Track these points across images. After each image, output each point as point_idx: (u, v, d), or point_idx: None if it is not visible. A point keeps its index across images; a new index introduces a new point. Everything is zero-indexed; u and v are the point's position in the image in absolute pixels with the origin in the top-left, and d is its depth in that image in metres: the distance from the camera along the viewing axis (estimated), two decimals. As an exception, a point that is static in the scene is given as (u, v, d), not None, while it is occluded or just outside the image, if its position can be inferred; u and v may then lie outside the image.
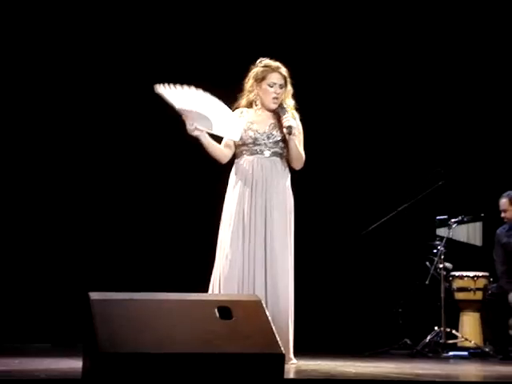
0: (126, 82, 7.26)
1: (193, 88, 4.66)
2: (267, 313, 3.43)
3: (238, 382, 3.24)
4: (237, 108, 4.88)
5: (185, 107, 4.65)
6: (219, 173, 4.97)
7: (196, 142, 4.74)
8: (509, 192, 6.83)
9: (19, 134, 7.18)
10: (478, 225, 7.14)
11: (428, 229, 7.19)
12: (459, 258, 7.06)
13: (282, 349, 3.40)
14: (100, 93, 7.31)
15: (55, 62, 7.23)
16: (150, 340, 3.20)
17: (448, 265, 6.95)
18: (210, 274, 4.76)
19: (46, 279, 7.07)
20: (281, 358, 3.31)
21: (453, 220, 7.00)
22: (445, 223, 7.04)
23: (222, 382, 3.23)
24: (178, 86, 4.64)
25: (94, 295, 3.31)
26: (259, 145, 4.79)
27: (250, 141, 4.79)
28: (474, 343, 6.68)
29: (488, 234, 7.09)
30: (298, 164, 4.85)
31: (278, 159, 4.81)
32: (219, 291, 4.61)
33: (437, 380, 3.84)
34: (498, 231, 6.93)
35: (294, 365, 4.52)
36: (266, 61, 4.87)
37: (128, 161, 7.35)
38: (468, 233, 7.15)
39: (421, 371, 4.50)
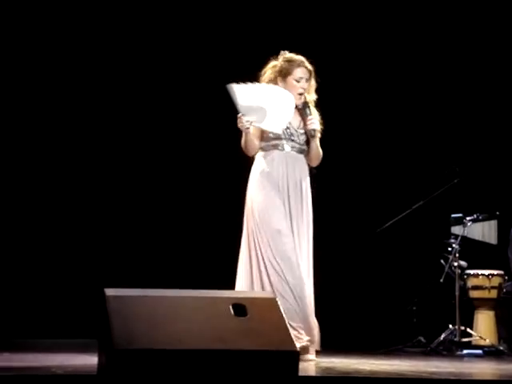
0: (129, 79, 7.28)
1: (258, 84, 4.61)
2: (281, 310, 3.44)
3: (252, 378, 3.24)
4: None
5: (248, 104, 4.56)
6: (231, 167, 4.92)
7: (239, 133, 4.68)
8: None
9: (28, 131, 7.19)
10: (493, 223, 7.12)
11: (443, 227, 7.17)
12: (474, 256, 7.04)
13: (297, 346, 3.41)
14: (106, 90, 7.31)
15: (55, 62, 7.23)
16: (165, 336, 3.21)
17: (463, 263, 6.93)
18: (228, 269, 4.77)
19: (62, 275, 7.09)
20: (295, 356, 3.31)
21: (468, 218, 6.98)
22: (460, 221, 7.02)
23: (237, 379, 3.24)
24: (250, 83, 4.59)
25: (110, 291, 3.32)
26: (293, 140, 4.73)
27: (285, 136, 4.71)
28: (489, 341, 6.66)
29: (503, 232, 7.06)
30: (316, 162, 4.84)
31: (303, 156, 4.78)
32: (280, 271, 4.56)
33: (451, 378, 3.83)
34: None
35: (312, 361, 4.52)
36: (290, 54, 4.79)
37: (144, 154, 7.36)
38: (483, 231, 7.12)
39: (435, 369, 4.49)
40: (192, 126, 7.34)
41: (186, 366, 3.20)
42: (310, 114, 4.72)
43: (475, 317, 6.99)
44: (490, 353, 6.57)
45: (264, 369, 3.26)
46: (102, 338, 3.33)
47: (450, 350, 6.54)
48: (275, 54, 4.86)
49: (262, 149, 4.75)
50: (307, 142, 4.77)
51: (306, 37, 7.08)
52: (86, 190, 7.26)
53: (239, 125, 4.59)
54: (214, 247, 7.22)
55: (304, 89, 4.73)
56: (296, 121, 4.76)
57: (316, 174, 4.89)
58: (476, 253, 7.09)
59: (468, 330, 6.77)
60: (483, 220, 7.08)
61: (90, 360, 3.75)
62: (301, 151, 4.76)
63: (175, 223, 7.33)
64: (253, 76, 4.81)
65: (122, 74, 7.31)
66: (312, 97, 4.79)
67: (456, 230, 7.04)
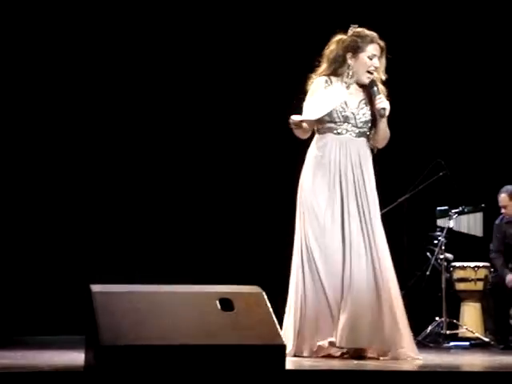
0: (131, 78, 7.30)
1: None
2: (268, 304, 3.44)
3: (239, 373, 3.24)
4: (321, 75, 4.49)
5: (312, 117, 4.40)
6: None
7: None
8: (507, 187, 6.81)
9: (17, 130, 7.17)
10: (479, 215, 7.14)
11: (429, 219, 7.19)
12: (460, 249, 7.07)
13: (284, 340, 3.41)
14: (106, 89, 7.32)
15: (55, 62, 7.24)
16: (152, 332, 3.20)
17: (449, 255, 6.96)
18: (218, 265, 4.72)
19: (48, 272, 7.07)
20: (282, 350, 3.31)
21: (453, 211, 7.01)
22: (445, 214, 7.05)
23: (224, 374, 3.23)
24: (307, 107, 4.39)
25: (96, 287, 3.31)
26: (348, 123, 4.44)
27: (340, 119, 4.43)
28: (476, 333, 6.68)
29: (489, 224, 7.09)
30: (383, 143, 4.58)
31: (365, 140, 4.51)
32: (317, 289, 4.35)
33: (438, 370, 3.84)
34: (497, 222, 6.92)
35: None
36: (362, 29, 4.49)
37: (125, 155, 7.37)
38: (469, 223, 7.15)
39: (422, 362, 4.50)
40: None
41: (173, 362, 3.19)
42: (379, 93, 4.45)
43: (461, 309, 7.02)
44: (476, 345, 6.60)
45: (251, 363, 3.25)
46: (89, 334, 3.32)
47: (437, 342, 6.57)
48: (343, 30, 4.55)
49: (318, 131, 4.51)
50: (371, 124, 4.50)
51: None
52: (72, 190, 7.24)
53: (291, 124, 4.41)
54: (204, 242, 7.25)
55: (376, 67, 4.47)
56: (354, 102, 4.48)
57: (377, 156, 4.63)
58: (462, 245, 7.12)
59: (455, 322, 6.80)
60: (469, 212, 7.11)
61: (77, 357, 3.73)
62: (359, 134, 4.48)
63: (160, 220, 7.34)
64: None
65: (122, 74, 7.32)
66: (381, 77, 4.52)
67: (442, 222, 7.07)
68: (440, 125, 7.74)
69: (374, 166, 4.65)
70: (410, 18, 7.65)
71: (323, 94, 4.42)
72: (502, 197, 6.80)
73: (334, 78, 4.50)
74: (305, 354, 4.38)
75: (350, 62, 4.48)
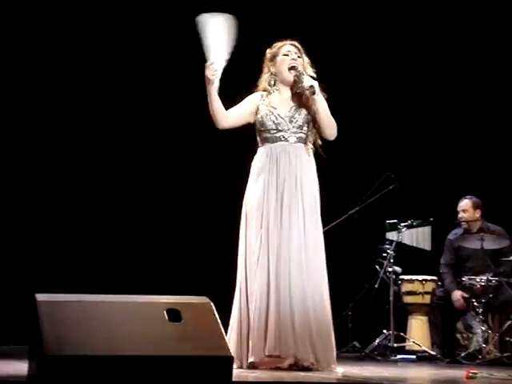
0: (127, 78, 7.27)
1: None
2: (216, 315, 3.42)
3: (186, 384, 3.21)
4: (257, 91, 4.70)
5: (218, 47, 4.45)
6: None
7: (204, 91, 4.54)
8: (470, 196, 6.89)
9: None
10: (427, 229, 7.21)
11: (378, 232, 7.23)
12: (408, 262, 7.12)
13: (231, 351, 3.38)
14: (101, 91, 7.29)
15: (55, 62, 7.20)
16: (98, 342, 3.16)
17: (397, 268, 7.01)
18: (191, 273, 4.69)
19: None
20: (229, 361, 3.29)
21: (402, 224, 7.06)
22: (395, 227, 7.10)
23: (170, 385, 3.20)
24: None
25: (41, 296, 3.26)
26: (282, 130, 4.56)
27: (273, 126, 4.57)
28: (422, 347, 6.73)
29: (437, 238, 7.16)
30: (331, 131, 4.59)
31: (303, 146, 4.58)
32: (246, 293, 4.43)
33: (384, 383, 3.85)
34: (451, 236, 6.98)
35: (340, 374, 4.34)
36: (275, 43, 4.75)
37: (75, 163, 7.29)
38: (417, 237, 7.21)
39: (369, 374, 4.52)
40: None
41: (119, 373, 3.15)
42: (303, 76, 4.53)
43: (409, 322, 7.07)
44: (423, 358, 6.65)
45: (198, 374, 3.23)
46: (33, 344, 3.26)
47: (384, 354, 6.60)
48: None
49: (258, 144, 4.67)
50: (307, 126, 4.58)
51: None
52: (16, 197, 7.15)
53: (207, 73, 4.47)
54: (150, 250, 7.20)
55: (295, 59, 4.61)
56: (286, 108, 4.62)
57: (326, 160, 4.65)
58: (410, 258, 7.17)
59: (402, 335, 6.84)
60: (417, 226, 7.17)
61: (21, 367, 3.67)
62: (297, 140, 4.57)
63: (113, 225, 7.29)
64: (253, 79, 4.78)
65: (120, 74, 7.29)
66: (309, 73, 4.62)
67: (391, 235, 7.12)
68: (390, 139, 7.81)
69: (324, 178, 4.67)
70: (354, 32, 7.70)
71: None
72: (465, 203, 6.86)
73: (268, 94, 4.70)
74: (250, 366, 4.38)
75: (272, 70, 4.70)
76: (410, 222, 7.06)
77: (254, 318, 4.40)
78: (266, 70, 4.74)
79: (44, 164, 7.23)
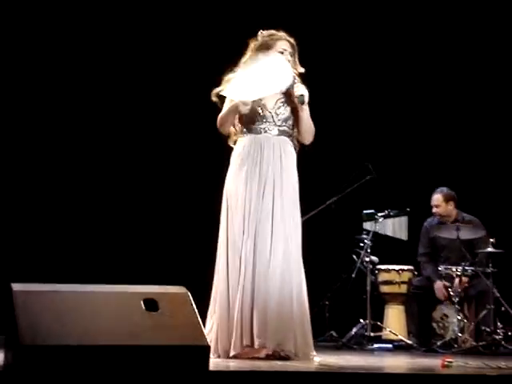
0: (123, 79, 7.28)
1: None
2: (193, 304, 3.42)
3: (163, 373, 3.21)
4: None
5: (242, 96, 4.42)
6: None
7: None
8: (441, 188, 6.93)
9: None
10: (404, 219, 7.24)
11: (355, 222, 7.26)
12: (385, 252, 7.15)
13: (208, 341, 3.39)
14: (98, 92, 7.28)
15: (55, 61, 7.18)
16: (74, 332, 3.15)
17: (374, 258, 7.04)
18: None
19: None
20: (206, 350, 3.29)
21: (379, 214, 7.09)
22: (372, 217, 7.12)
23: (147, 374, 3.20)
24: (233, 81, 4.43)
25: (17, 286, 3.24)
26: (267, 122, 4.52)
27: (258, 118, 4.51)
28: (399, 336, 6.77)
29: (413, 228, 7.19)
30: (309, 136, 4.60)
31: (287, 139, 4.56)
32: (227, 282, 4.42)
33: (361, 372, 3.87)
34: (427, 224, 7.02)
35: (317, 362, 4.36)
36: (270, 31, 4.61)
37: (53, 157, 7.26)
38: (394, 227, 7.24)
39: (345, 363, 4.54)
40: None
41: (95, 362, 3.14)
42: (296, 82, 4.50)
43: (386, 311, 7.11)
44: (399, 347, 6.69)
45: (175, 364, 3.23)
46: (9, 334, 3.25)
47: (361, 343, 6.63)
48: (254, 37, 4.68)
49: (240, 133, 4.60)
50: (292, 122, 4.56)
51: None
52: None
53: (241, 108, 4.47)
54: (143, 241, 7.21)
55: (288, 61, 4.54)
56: (272, 101, 4.56)
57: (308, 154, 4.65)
58: (387, 248, 7.20)
59: (379, 324, 6.88)
60: (394, 216, 7.20)
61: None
62: (280, 133, 4.54)
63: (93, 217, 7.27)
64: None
65: (115, 75, 7.29)
66: (300, 70, 4.59)
67: (368, 225, 7.14)
68: (367, 129, 7.83)
69: (302, 168, 4.68)
70: (332, 24, 7.71)
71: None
72: (436, 197, 6.91)
73: None
74: (231, 355, 4.39)
75: None
76: (386, 212, 7.09)
77: (235, 309, 4.40)
78: (254, 57, 4.58)
79: (25, 156, 7.19)
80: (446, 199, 6.88)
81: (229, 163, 4.66)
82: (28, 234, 7.08)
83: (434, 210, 6.92)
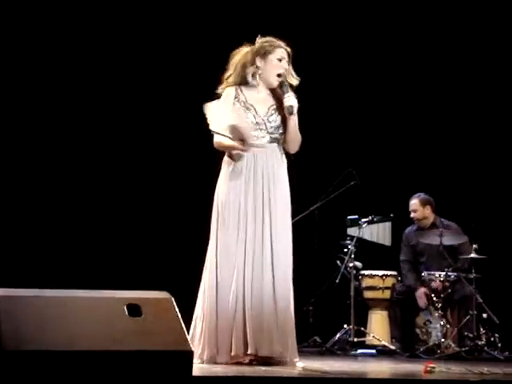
0: (122, 80, 7.27)
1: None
2: (177, 310, 3.41)
3: (146, 379, 3.21)
4: (228, 86, 4.55)
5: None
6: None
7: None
8: (419, 193, 7.01)
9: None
10: (388, 225, 7.27)
11: (339, 228, 7.27)
12: (369, 257, 7.17)
13: (191, 346, 3.39)
14: (97, 93, 7.26)
15: (55, 62, 7.16)
16: (57, 337, 3.14)
17: (358, 264, 7.06)
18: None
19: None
20: (189, 356, 3.29)
21: (363, 220, 7.11)
22: (355, 223, 7.15)
23: (131, 380, 3.19)
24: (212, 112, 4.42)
25: (-1, 291, 3.24)
26: (259, 129, 4.50)
27: (250, 125, 4.49)
28: (382, 341, 6.79)
29: (397, 233, 7.22)
30: (295, 146, 4.59)
31: (276, 146, 4.54)
32: (216, 291, 4.40)
33: (344, 377, 3.88)
34: (407, 231, 7.09)
35: (300, 368, 4.36)
36: (269, 38, 4.60)
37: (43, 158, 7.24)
38: (378, 233, 7.27)
39: (329, 368, 4.55)
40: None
41: (78, 368, 3.13)
42: (288, 92, 4.51)
43: (369, 317, 7.13)
44: (382, 352, 6.70)
45: (158, 369, 3.23)
46: (-9, 339, 3.23)
47: (345, 349, 6.64)
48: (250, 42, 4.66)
49: (231, 140, 4.54)
50: (283, 130, 4.55)
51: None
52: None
53: (238, 150, 4.46)
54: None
55: (285, 69, 4.54)
56: (264, 108, 4.55)
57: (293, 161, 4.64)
58: (371, 254, 7.22)
59: (362, 329, 6.89)
60: (378, 222, 7.23)
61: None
62: (271, 140, 4.53)
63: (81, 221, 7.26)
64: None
65: (113, 77, 7.28)
66: (294, 81, 4.59)
67: (352, 231, 7.16)
68: (351, 135, 7.84)
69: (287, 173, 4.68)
70: (316, 32, 7.73)
71: (230, 113, 4.49)
72: (414, 202, 6.99)
73: (243, 87, 4.58)
74: (218, 361, 4.39)
75: (259, 64, 4.56)
76: (370, 217, 7.12)
77: (224, 317, 4.39)
78: (249, 61, 4.55)
79: (19, 156, 7.17)
80: (423, 204, 6.96)
81: (216, 168, 4.64)
82: (10, 239, 7.04)
83: (412, 214, 7.00)
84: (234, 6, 7.43)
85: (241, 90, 4.57)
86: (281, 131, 4.57)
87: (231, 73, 4.60)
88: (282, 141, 4.59)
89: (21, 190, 7.16)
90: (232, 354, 4.37)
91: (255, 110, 4.54)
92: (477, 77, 7.80)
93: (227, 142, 4.49)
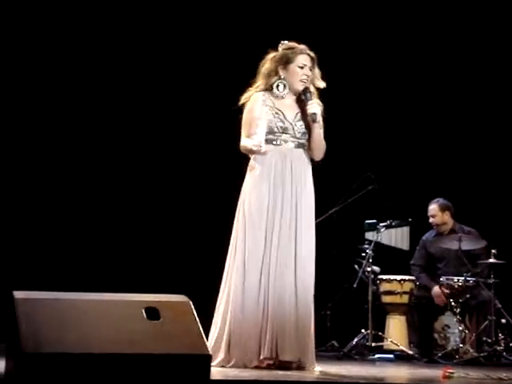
0: (126, 80, 7.28)
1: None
2: (195, 313, 3.42)
3: (164, 382, 3.22)
4: (257, 90, 4.59)
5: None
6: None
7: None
8: (438, 198, 6.99)
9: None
10: (406, 229, 7.25)
11: (357, 232, 7.26)
12: (387, 262, 7.15)
13: (209, 350, 3.39)
14: (100, 92, 7.28)
15: (56, 62, 7.19)
16: (75, 340, 3.16)
17: (376, 268, 7.04)
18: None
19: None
20: (207, 359, 3.30)
21: (381, 224, 7.10)
22: (374, 227, 7.13)
23: (149, 383, 3.20)
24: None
25: (19, 294, 3.25)
26: (287, 134, 4.54)
27: (278, 130, 4.53)
28: (400, 346, 6.76)
29: (415, 238, 7.20)
30: (320, 153, 4.63)
31: (303, 151, 4.58)
32: (243, 295, 4.40)
33: (361, 382, 3.87)
34: (425, 237, 7.06)
35: (318, 372, 4.37)
36: (291, 43, 4.62)
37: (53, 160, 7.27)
38: (396, 237, 7.25)
39: (346, 373, 4.54)
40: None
41: (96, 371, 3.15)
42: (311, 99, 4.55)
43: (387, 321, 7.10)
44: (400, 357, 6.68)
45: (176, 373, 3.23)
46: (10, 341, 3.25)
47: (362, 354, 6.62)
48: (274, 47, 4.67)
49: None
50: (308, 136, 4.59)
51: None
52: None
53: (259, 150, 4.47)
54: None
55: (308, 76, 4.57)
56: (291, 113, 4.59)
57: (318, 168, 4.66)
58: (389, 258, 7.20)
59: (380, 334, 6.87)
60: (396, 226, 7.21)
61: (-2, 364, 3.65)
62: (298, 145, 4.57)
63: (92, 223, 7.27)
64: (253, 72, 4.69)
65: (117, 74, 7.29)
66: (320, 85, 4.62)
67: (370, 235, 7.15)
68: (371, 139, 7.83)
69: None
70: (336, 32, 7.73)
71: (261, 119, 4.51)
72: (433, 207, 6.97)
73: (270, 94, 4.61)
74: (235, 365, 4.39)
75: (281, 73, 4.60)
76: (388, 222, 7.10)
77: (252, 322, 4.40)
78: (273, 69, 4.59)
79: (22, 158, 7.20)
80: (442, 209, 6.94)
81: (236, 172, 4.67)
82: (30, 241, 7.08)
83: (431, 219, 6.97)
84: (256, 9, 7.43)
85: (268, 96, 4.61)
86: (306, 137, 4.60)
87: (259, 80, 4.65)
88: (307, 147, 4.62)
89: (37, 194, 7.19)
90: (260, 357, 4.37)
91: (283, 114, 4.58)
92: (501, 84, 7.77)
93: (250, 144, 4.51)
